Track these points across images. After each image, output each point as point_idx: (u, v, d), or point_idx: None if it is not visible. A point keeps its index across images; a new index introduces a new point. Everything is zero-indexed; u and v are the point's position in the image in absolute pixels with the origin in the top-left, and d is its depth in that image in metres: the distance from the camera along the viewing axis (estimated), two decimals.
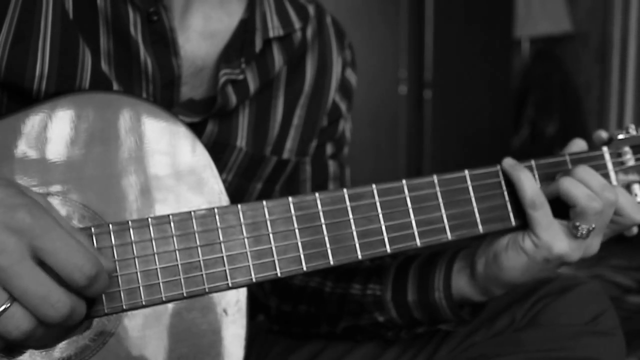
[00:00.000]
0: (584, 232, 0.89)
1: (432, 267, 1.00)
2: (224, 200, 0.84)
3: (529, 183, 0.90)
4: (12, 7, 0.83)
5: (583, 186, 0.89)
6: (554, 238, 0.89)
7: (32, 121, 0.79)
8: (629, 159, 0.99)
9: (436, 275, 0.99)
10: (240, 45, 0.98)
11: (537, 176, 0.94)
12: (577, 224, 0.89)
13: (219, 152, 0.96)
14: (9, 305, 0.63)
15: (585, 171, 0.91)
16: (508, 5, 3.60)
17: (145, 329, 0.80)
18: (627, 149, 0.99)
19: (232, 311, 0.83)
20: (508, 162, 0.92)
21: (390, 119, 3.17)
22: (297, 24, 1.05)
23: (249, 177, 1.02)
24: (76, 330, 0.77)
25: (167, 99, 0.92)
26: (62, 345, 0.77)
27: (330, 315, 1.07)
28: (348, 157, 1.19)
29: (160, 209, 0.81)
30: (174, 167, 0.83)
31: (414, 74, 3.16)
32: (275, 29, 1.02)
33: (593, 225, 0.89)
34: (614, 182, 0.98)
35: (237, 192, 1.01)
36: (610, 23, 3.97)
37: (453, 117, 3.30)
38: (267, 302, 1.14)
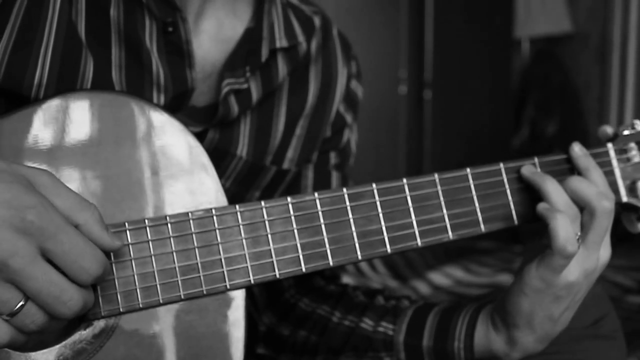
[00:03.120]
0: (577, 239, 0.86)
1: (455, 314, 0.97)
2: (222, 200, 0.84)
3: (564, 227, 0.84)
4: (14, 13, 0.83)
5: (564, 192, 0.87)
6: (558, 279, 0.86)
7: (26, 120, 0.79)
8: (635, 155, 0.97)
9: (459, 323, 0.96)
10: (246, 54, 0.97)
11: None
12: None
13: (218, 159, 0.95)
14: (23, 303, 0.65)
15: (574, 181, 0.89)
16: (508, 5, 3.60)
17: (142, 331, 0.79)
18: (632, 145, 0.97)
19: (230, 313, 0.82)
20: (544, 206, 0.87)
21: (390, 119, 3.16)
22: (300, 37, 1.04)
23: (247, 186, 1.02)
24: (73, 333, 0.77)
25: (175, 107, 0.91)
26: (59, 348, 0.76)
27: (332, 347, 1.04)
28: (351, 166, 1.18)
29: (158, 210, 0.81)
30: (171, 168, 0.82)
31: (414, 74, 3.15)
32: (281, 40, 1.01)
33: (578, 233, 0.86)
34: (619, 179, 0.96)
35: (234, 200, 0.99)
36: (610, 23, 3.97)
37: (453, 117, 3.29)
38: (260, 316, 1.12)
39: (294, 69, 1.03)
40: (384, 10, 3.11)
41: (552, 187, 0.87)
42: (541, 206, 0.87)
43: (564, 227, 0.84)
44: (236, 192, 1.00)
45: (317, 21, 1.09)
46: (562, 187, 0.87)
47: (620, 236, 0.98)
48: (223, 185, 0.84)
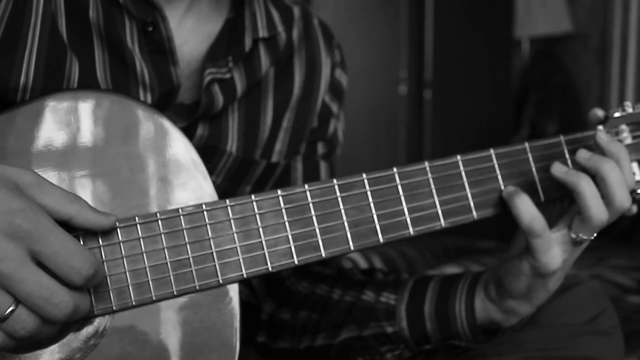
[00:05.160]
0: (584, 242, 0.88)
1: (456, 280, 0.99)
2: (213, 196, 0.83)
3: (525, 207, 0.87)
4: None
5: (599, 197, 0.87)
6: (552, 258, 0.88)
7: (19, 120, 0.78)
8: (626, 137, 0.96)
9: (459, 286, 0.97)
10: (227, 44, 0.97)
11: (531, 159, 0.92)
12: (575, 235, 0.88)
13: (208, 155, 0.95)
14: (14, 308, 0.66)
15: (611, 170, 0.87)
16: (508, 6, 3.59)
17: (136, 329, 0.79)
18: (623, 127, 0.96)
19: (224, 308, 0.82)
20: (507, 190, 0.90)
21: (390, 118, 3.16)
22: (280, 27, 1.04)
23: (238, 181, 1.02)
24: (68, 332, 0.76)
25: (163, 106, 0.91)
26: (53, 348, 0.76)
27: (333, 323, 1.04)
28: (346, 158, 1.18)
29: (149, 207, 0.80)
30: (162, 165, 0.81)
31: (414, 74, 3.15)
32: (263, 29, 1.01)
33: (594, 235, 0.88)
34: None
35: (225, 195, 0.99)
36: (610, 23, 3.96)
37: (453, 117, 3.29)
38: (262, 305, 1.12)
39: (276, 60, 1.03)
40: (384, 10, 3.11)
41: (520, 203, 0.88)
42: (506, 191, 0.89)
43: (524, 204, 0.87)
44: (227, 188, 1.00)
45: (296, 11, 1.09)
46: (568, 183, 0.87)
47: (620, 235, 0.98)
48: (214, 182, 0.84)
